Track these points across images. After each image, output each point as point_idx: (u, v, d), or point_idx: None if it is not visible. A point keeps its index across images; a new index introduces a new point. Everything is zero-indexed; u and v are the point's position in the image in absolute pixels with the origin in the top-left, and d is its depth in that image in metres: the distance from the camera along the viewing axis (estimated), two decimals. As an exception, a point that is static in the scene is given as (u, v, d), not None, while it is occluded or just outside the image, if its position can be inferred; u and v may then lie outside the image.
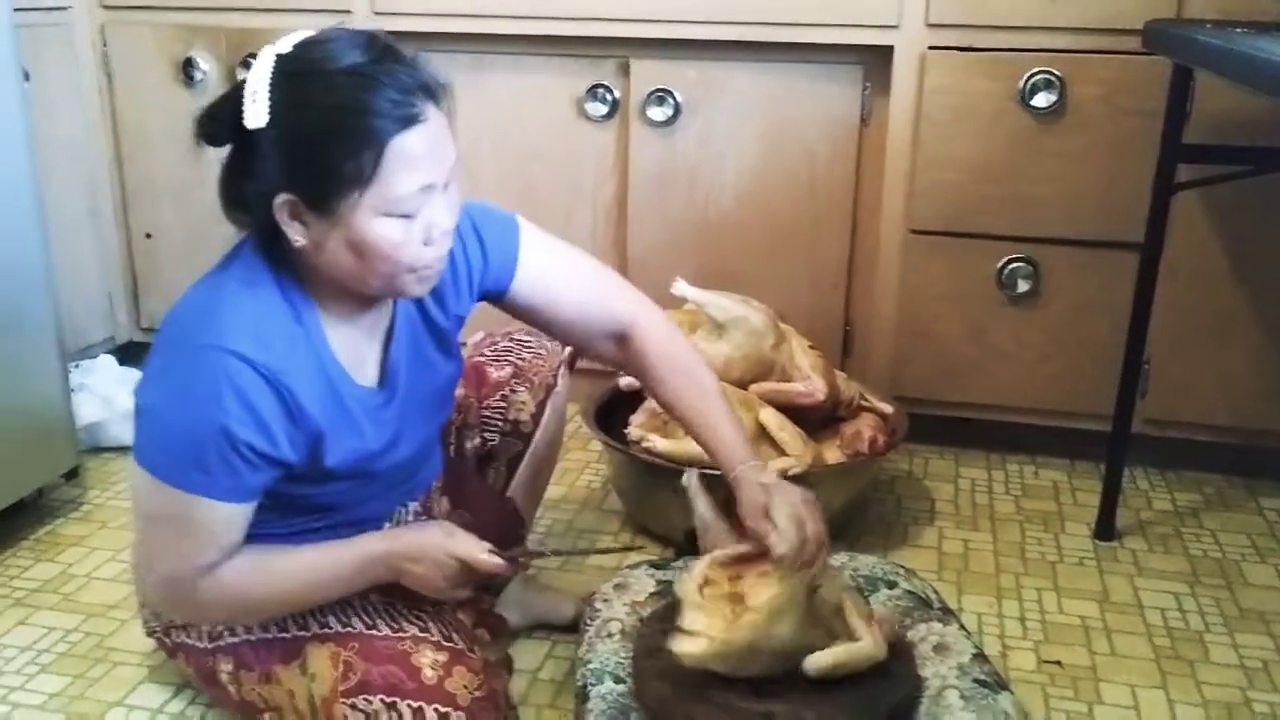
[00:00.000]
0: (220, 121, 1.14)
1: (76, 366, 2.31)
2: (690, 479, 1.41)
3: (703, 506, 1.40)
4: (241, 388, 1.12)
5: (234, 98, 1.13)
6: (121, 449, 2.25)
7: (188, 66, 2.39)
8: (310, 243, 1.14)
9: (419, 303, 1.32)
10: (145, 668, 1.57)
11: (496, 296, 1.39)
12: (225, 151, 1.17)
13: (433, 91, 1.12)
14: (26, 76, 2.21)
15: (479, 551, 1.28)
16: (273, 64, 1.12)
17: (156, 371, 1.18)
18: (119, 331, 2.61)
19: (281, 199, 1.11)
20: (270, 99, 1.10)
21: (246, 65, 2.29)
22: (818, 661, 1.23)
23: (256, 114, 1.10)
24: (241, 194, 1.16)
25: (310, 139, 1.09)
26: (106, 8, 2.43)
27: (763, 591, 1.23)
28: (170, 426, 1.15)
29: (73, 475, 2.04)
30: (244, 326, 1.15)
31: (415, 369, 1.33)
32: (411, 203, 1.11)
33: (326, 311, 1.22)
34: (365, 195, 1.09)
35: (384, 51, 1.12)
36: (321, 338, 1.21)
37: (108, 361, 2.39)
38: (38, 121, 1.92)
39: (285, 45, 1.14)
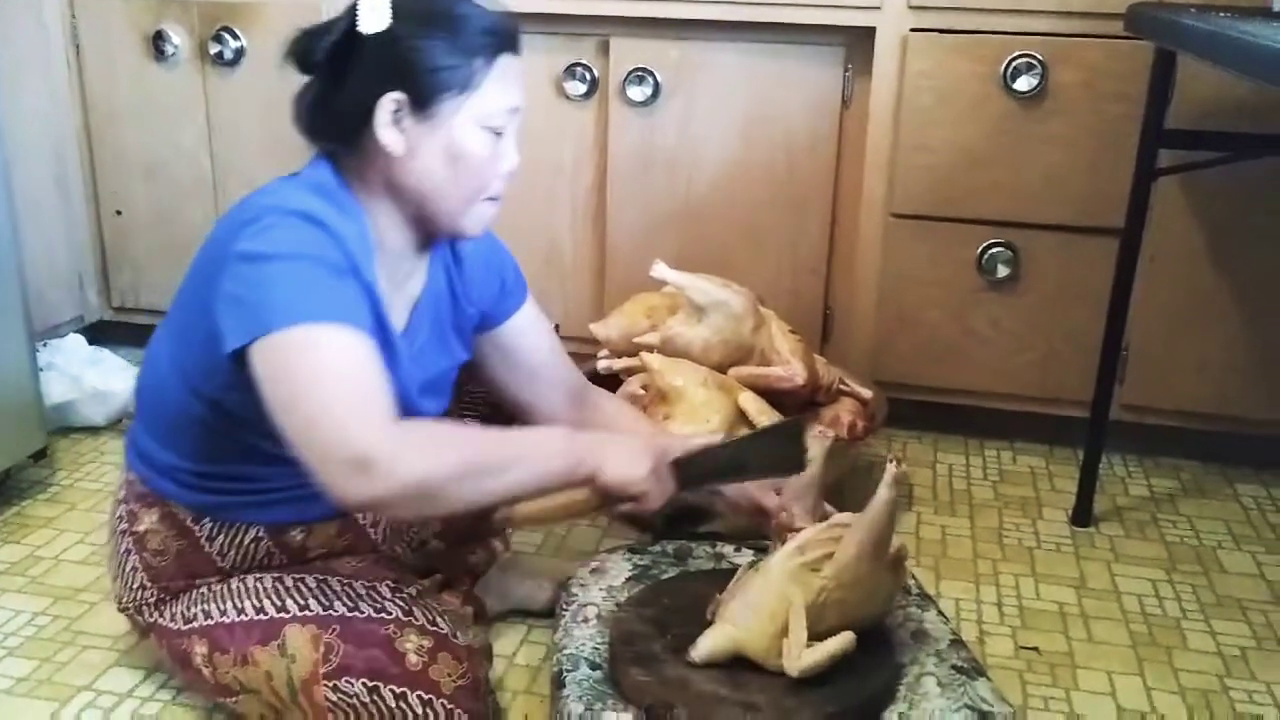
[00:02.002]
0: (320, 38, 1.20)
1: (45, 345, 2.28)
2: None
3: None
4: (330, 231, 1.16)
5: (344, 16, 1.20)
6: (91, 429, 2.22)
7: (158, 40, 2.35)
8: (405, 148, 1.20)
9: (449, 280, 1.37)
10: (115, 652, 1.55)
11: (490, 325, 1.46)
12: (298, 82, 1.26)
13: (519, 48, 1.26)
14: (-8, 49, 2.17)
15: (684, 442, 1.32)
16: None
17: (247, 250, 1.15)
18: (88, 310, 2.57)
19: (387, 99, 1.17)
20: (391, 5, 1.17)
21: (219, 39, 2.29)
22: (806, 661, 1.22)
23: (377, 19, 1.17)
24: (327, 111, 1.22)
25: (427, 41, 1.18)
26: (76, -21, 2.38)
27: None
28: (290, 269, 1.13)
29: (41, 456, 2.01)
30: (314, 206, 1.18)
31: (432, 340, 1.36)
32: (501, 119, 1.22)
33: (379, 247, 1.25)
34: (466, 102, 1.19)
35: None
36: (373, 263, 1.23)
37: (77, 341, 2.35)
38: (3, 96, 1.89)
39: None
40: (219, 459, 1.30)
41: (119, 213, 2.51)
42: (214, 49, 2.32)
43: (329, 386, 1.08)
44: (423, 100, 1.18)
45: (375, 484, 1.05)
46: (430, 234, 1.30)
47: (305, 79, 1.25)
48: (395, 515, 1.13)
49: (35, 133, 2.36)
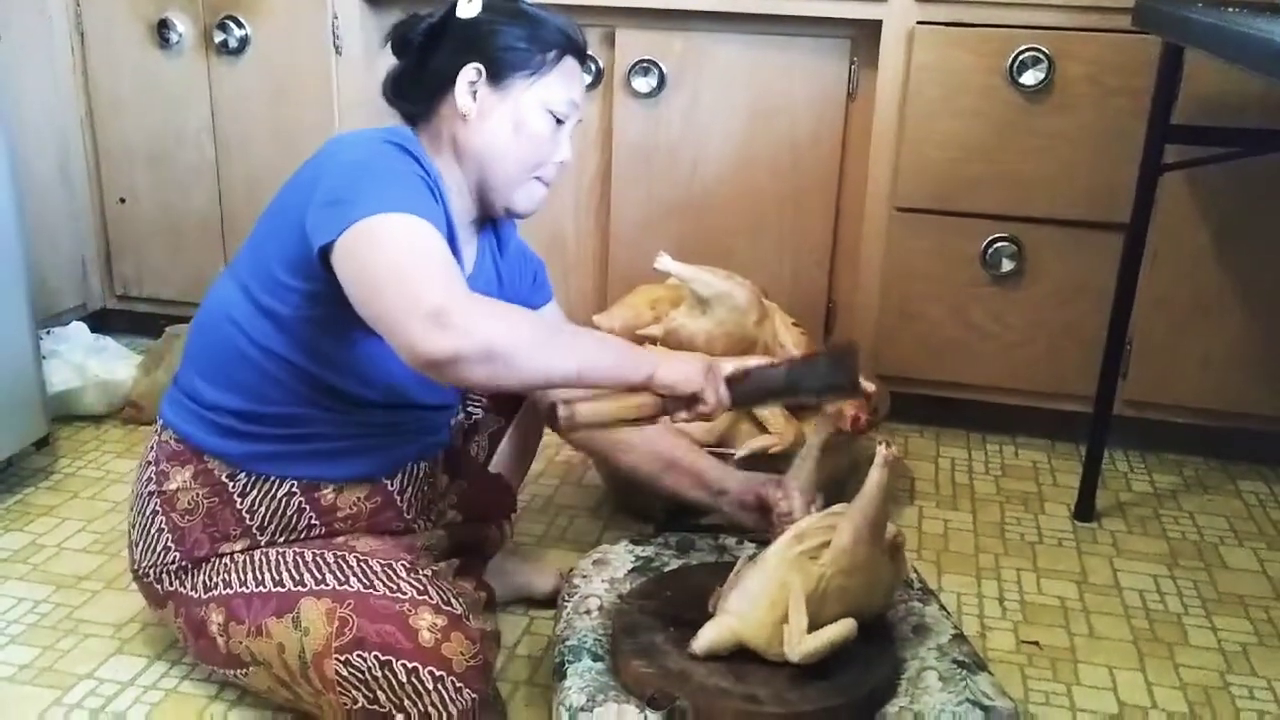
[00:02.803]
0: (419, 23, 1.39)
1: (48, 333, 2.28)
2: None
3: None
4: (419, 161, 1.30)
5: (443, 10, 1.39)
6: (93, 418, 2.22)
7: (163, 28, 2.35)
8: (478, 111, 1.36)
9: (494, 262, 1.48)
10: (116, 640, 1.55)
11: None
12: (390, 63, 1.44)
13: (587, 61, 1.46)
14: (-3, 35, 2.17)
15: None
16: None
17: (346, 164, 1.26)
18: (91, 298, 2.57)
19: (470, 68, 1.35)
20: (484, 1, 1.38)
21: (224, 27, 2.29)
22: (806, 647, 1.22)
23: (470, 9, 1.37)
24: (412, 82, 1.39)
25: (507, 27, 1.37)
26: (80, -34, 2.38)
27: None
28: (380, 173, 1.24)
29: (43, 444, 2.01)
30: (406, 140, 1.32)
31: None
32: (563, 108, 1.39)
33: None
34: (534, 84, 1.37)
35: None
36: (449, 210, 1.34)
37: (80, 328, 2.35)
38: (8, 84, 1.88)
39: None
40: (270, 399, 1.33)
41: (122, 201, 2.51)
42: (218, 37, 2.32)
43: (413, 255, 1.17)
44: (498, 73, 1.36)
45: (451, 338, 1.11)
46: (485, 207, 1.42)
47: (393, 63, 1.43)
48: (466, 377, 1.15)
49: (39, 121, 2.36)
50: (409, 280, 1.14)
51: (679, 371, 1.30)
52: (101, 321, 2.55)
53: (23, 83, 2.29)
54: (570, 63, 1.40)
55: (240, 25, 2.30)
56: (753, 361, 1.39)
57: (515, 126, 1.37)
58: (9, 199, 1.84)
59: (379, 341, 1.19)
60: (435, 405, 1.46)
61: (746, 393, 1.36)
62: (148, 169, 2.47)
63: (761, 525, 1.52)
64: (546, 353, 1.19)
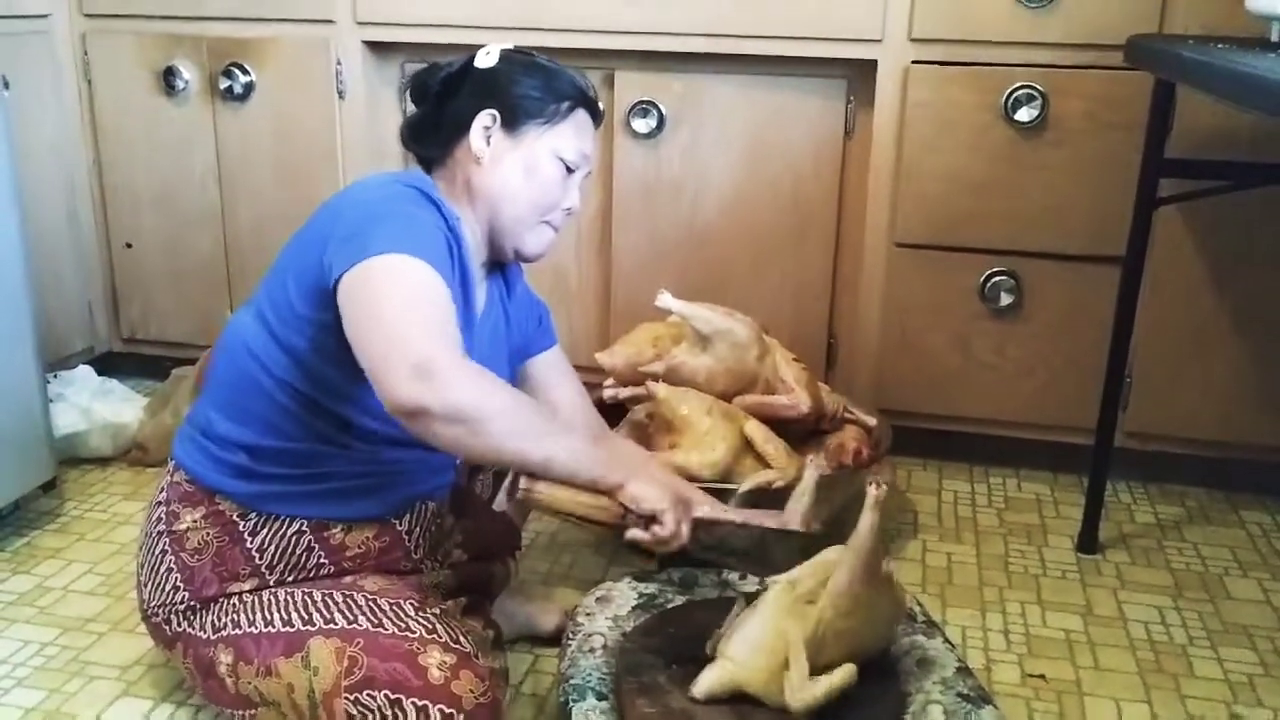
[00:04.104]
0: (439, 71, 1.45)
1: (54, 377, 2.29)
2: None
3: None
4: (436, 203, 1.34)
5: (461, 59, 1.46)
6: (100, 460, 2.23)
7: (169, 75, 2.38)
8: (491, 155, 1.41)
9: (503, 305, 1.52)
10: (123, 682, 1.55)
11: (523, 357, 1.60)
12: (408, 109, 1.52)
13: (599, 116, 1.50)
14: (6, 84, 2.20)
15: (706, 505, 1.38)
16: (502, 45, 1.47)
17: (367, 202, 1.31)
18: (98, 342, 2.58)
19: (485, 113, 1.41)
20: (500, 53, 1.45)
21: (229, 74, 2.32)
22: (807, 695, 1.22)
23: (489, 60, 1.44)
24: (430, 127, 1.45)
25: (524, 77, 1.43)
26: (88, 16, 2.41)
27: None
28: (400, 216, 1.28)
29: (50, 487, 2.02)
30: (422, 184, 1.38)
31: (491, 355, 1.47)
32: (573, 156, 1.44)
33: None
34: (547, 132, 1.42)
35: None
36: (466, 253, 1.38)
37: (86, 372, 2.36)
38: (17, 130, 1.91)
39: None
40: (283, 433, 1.35)
41: (129, 245, 2.53)
42: (224, 84, 2.35)
43: (411, 304, 1.19)
44: (512, 119, 1.41)
45: (429, 392, 1.13)
46: (496, 250, 1.46)
47: (412, 110, 1.49)
48: (434, 434, 1.15)
49: (48, 166, 2.39)
50: (405, 325, 1.17)
51: (649, 491, 1.32)
52: (108, 364, 2.56)
53: (31, 129, 2.32)
54: (583, 115, 1.45)
55: (245, 72, 2.34)
56: (729, 514, 1.39)
57: (527, 170, 1.42)
58: (16, 243, 1.86)
59: None
60: None
61: (708, 545, 1.37)
62: (154, 214, 2.50)
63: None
64: (518, 436, 1.22)
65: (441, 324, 1.20)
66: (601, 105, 1.51)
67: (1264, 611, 1.79)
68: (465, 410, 1.15)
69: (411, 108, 1.50)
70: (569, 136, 1.44)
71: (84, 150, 2.49)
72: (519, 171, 1.42)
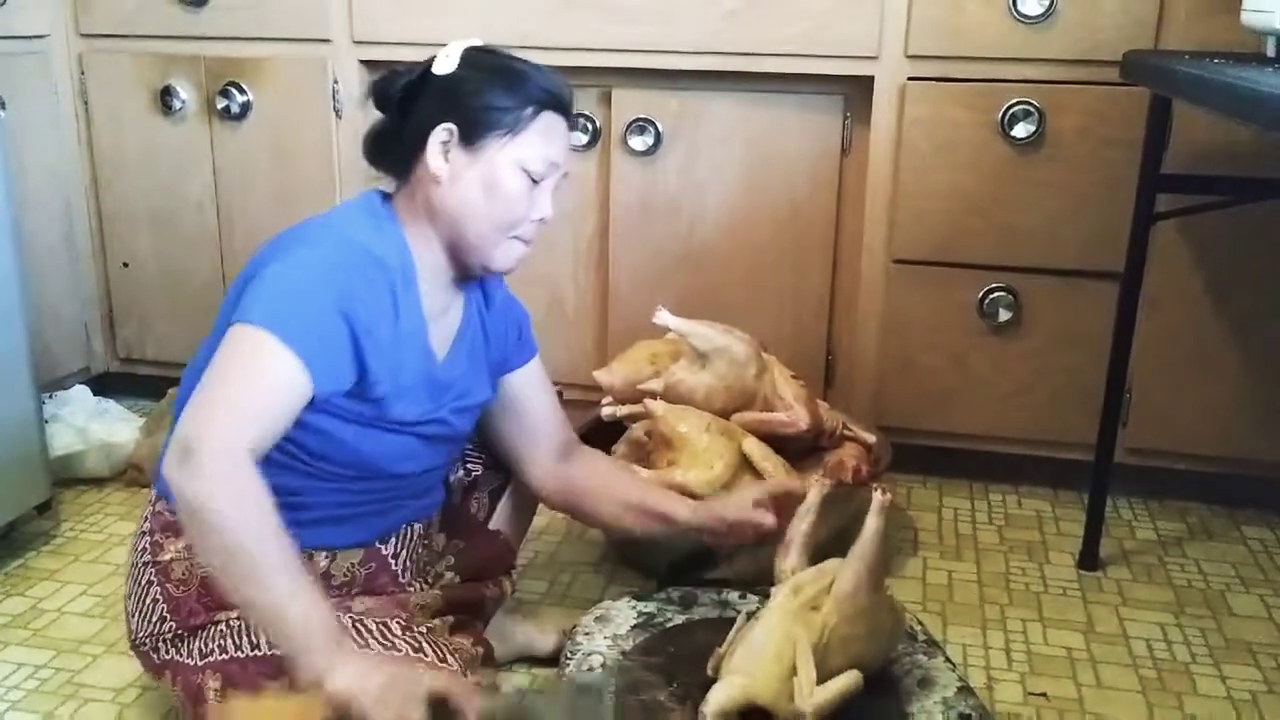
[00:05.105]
0: (400, 78, 1.36)
1: (51, 397, 2.28)
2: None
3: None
4: (361, 264, 1.28)
5: (422, 64, 1.37)
6: (95, 481, 2.22)
7: (166, 95, 2.38)
8: (449, 173, 1.32)
9: (481, 320, 1.47)
10: (116, 705, 1.54)
11: (502, 372, 1.53)
12: (372, 119, 1.42)
13: (573, 116, 1.41)
14: (2, 104, 2.20)
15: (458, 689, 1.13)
16: (465, 43, 1.37)
17: (280, 253, 1.28)
18: (94, 362, 2.58)
19: (442, 128, 1.32)
20: (461, 55, 1.35)
21: (226, 94, 2.32)
22: (818, 698, 1.21)
23: (448, 64, 1.34)
24: (392, 139, 1.37)
25: (485, 85, 1.33)
26: (85, 36, 2.41)
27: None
28: (285, 281, 1.24)
29: (45, 508, 2.00)
30: (364, 228, 1.32)
31: (470, 372, 1.44)
32: (538, 167, 1.33)
33: (419, 275, 1.35)
34: (509, 144, 1.32)
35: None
36: (415, 284, 1.34)
37: (82, 392, 2.36)
38: (13, 150, 1.91)
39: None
40: (262, 466, 1.24)
41: (125, 265, 2.53)
42: (220, 103, 2.35)
43: (239, 388, 1.18)
44: (470, 133, 1.32)
45: (179, 472, 1.13)
46: (463, 267, 1.39)
47: (377, 118, 1.41)
48: (177, 513, 1.18)
49: (44, 186, 2.39)
50: (213, 402, 1.17)
51: (351, 687, 1.07)
52: (104, 385, 2.55)
53: (28, 149, 2.32)
54: (550, 118, 1.35)
55: (242, 91, 2.34)
56: (489, 699, 1.15)
57: (487, 188, 1.33)
58: (12, 264, 1.85)
59: (341, 423, 1.25)
60: (419, 471, 1.44)
61: None
62: (151, 233, 2.49)
63: (724, 540, 1.51)
64: (235, 563, 1.11)
65: (253, 418, 1.17)
66: (575, 104, 1.42)
67: (1267, 628, 1.78)
68: (196, 507, 1.11)
69: (377, 116, 1.42)
70: (534, 145, 1.33)
71: (81, 170, 2.48)
72: (478, 189, 1.33)
